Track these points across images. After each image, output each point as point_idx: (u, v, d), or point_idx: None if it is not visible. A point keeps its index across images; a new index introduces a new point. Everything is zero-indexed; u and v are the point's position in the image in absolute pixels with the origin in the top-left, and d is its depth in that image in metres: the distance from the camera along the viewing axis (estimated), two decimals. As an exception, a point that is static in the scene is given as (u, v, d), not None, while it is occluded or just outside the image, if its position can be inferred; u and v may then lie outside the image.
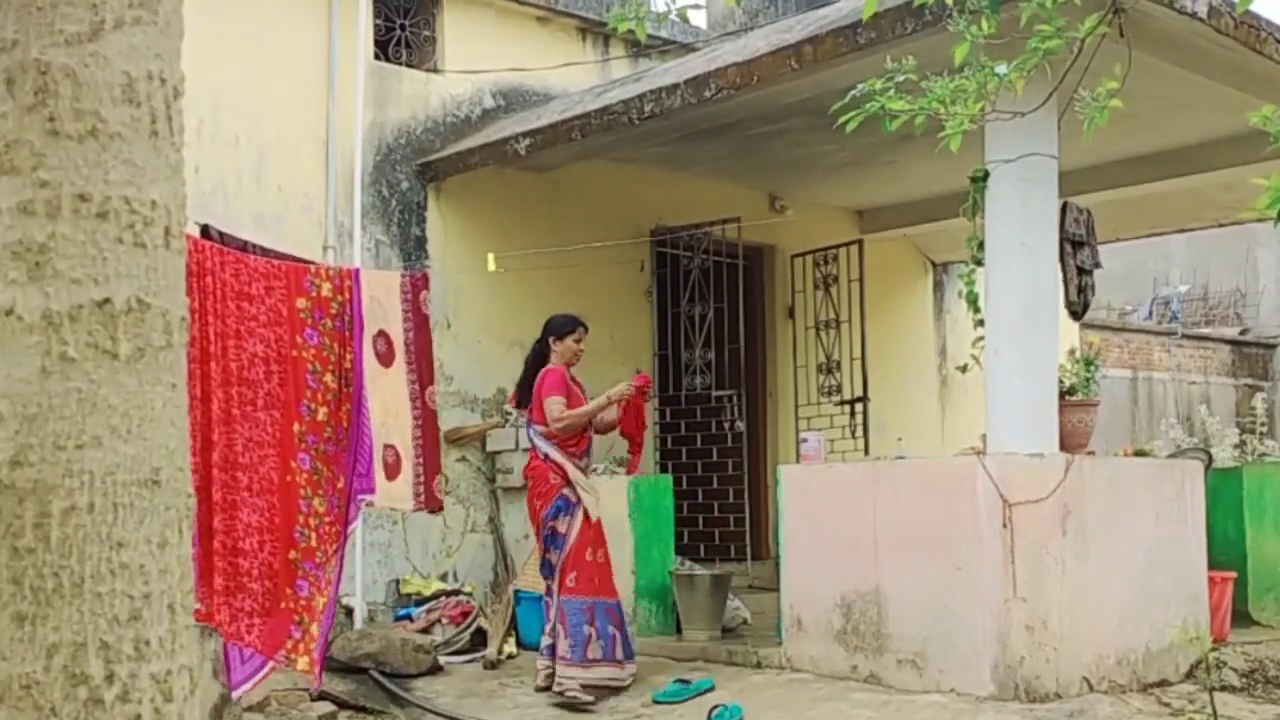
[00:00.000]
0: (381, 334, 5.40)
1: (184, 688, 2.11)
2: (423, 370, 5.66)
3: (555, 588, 6.43)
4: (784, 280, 10.37)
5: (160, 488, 2.10)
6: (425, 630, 7.47)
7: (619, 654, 6.43)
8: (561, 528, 6.41)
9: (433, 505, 5.72)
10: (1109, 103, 4.37)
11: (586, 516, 6.44)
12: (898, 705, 5.58)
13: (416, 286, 5.76)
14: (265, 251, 5.28)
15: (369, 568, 7.99)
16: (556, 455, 6.48)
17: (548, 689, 6.39)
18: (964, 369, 6.41)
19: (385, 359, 5.39)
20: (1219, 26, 5.86)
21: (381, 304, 5.44)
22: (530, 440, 6.67)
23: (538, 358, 6.70)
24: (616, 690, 6.37)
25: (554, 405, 6.45)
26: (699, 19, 10.74)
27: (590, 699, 6.20)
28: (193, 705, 2.14)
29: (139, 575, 2.06)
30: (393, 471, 5.43)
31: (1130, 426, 15.71)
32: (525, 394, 6.69)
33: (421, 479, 5.58)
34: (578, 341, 6.63)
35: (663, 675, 6.57)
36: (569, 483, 6.45)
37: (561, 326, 6.65)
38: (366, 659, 6.64)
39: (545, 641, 6.54)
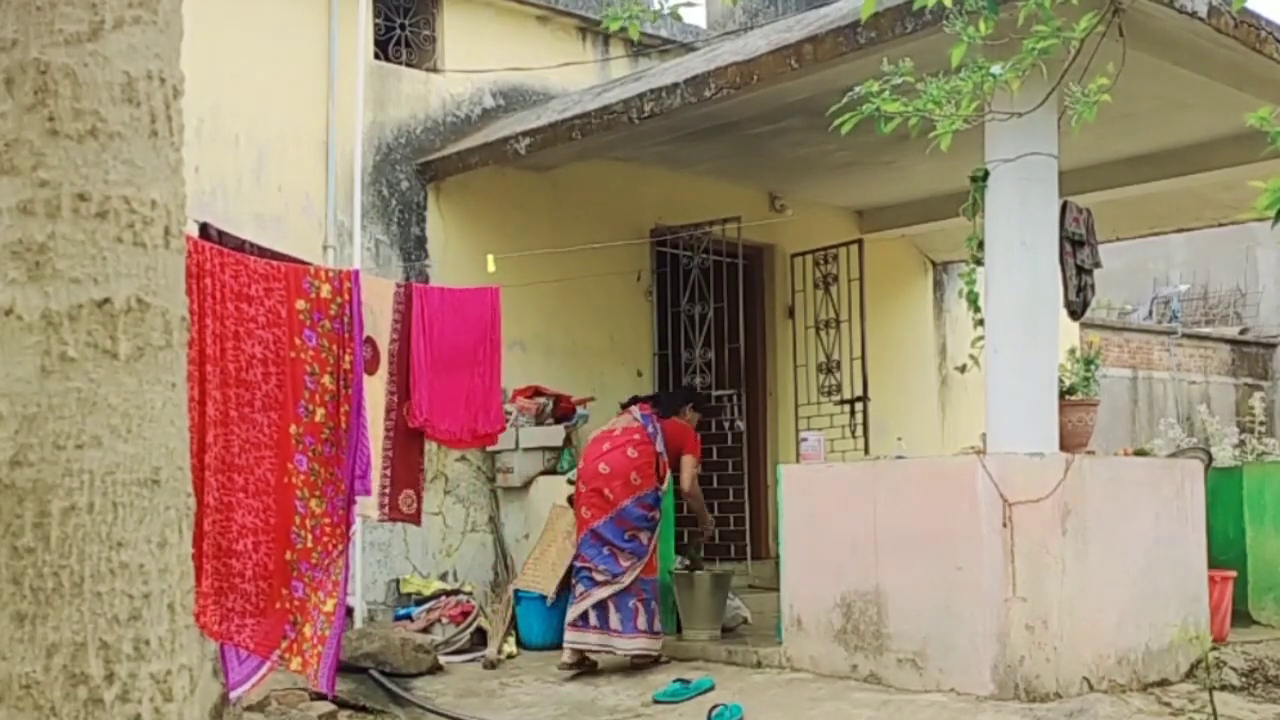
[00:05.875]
0: (369, 341, 5.41)
1: (184, 687, 2.11)
2: (403, 383, 5.66)
3: (642, 567, 6.89)
4: (784, 280, 10.36)
5: (160, 487, 2.11)
6: (425, 630, 7.47)
7: None
8: (658, 517, 7.03)
9: (396, 516, 5.72)
10: (1099, 98, 4.37)
11: None
12: (898, 705, 5.58)
13: (409, 296, 5.76)
14: (263, 251, 5.28)
15: (369, 567, 8.00)
16: (666, 458, 7.18)
17: (576, 665, 6.84)
18: (963, 369, 6.41)
19: (369, 366, 5.40)
20: (1218, 26, 5.86)
21: (373, 311, 5.45)
22: (652, 430, 7.18)
23: (671, 400, 7.61)
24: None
25: (696, 471, 7.43)
26: (699, 18, 10.75)
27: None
28: (192, 705, 2.14)
29: (139, 575, 2.06)
30: None
31: (1130, 426, 15.71)
32: (665, 409, 7.41)
33: (387, 490, 5.57)
34: (701, 416, 7.68)
35: (663, 675, 6.58)
36: (662, 483, 7.11)
37: (700, 400, 7.82)
38: (367, 659, 6.64)
39: (596, 609, 6.83)
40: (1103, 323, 15.90)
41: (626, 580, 6.80)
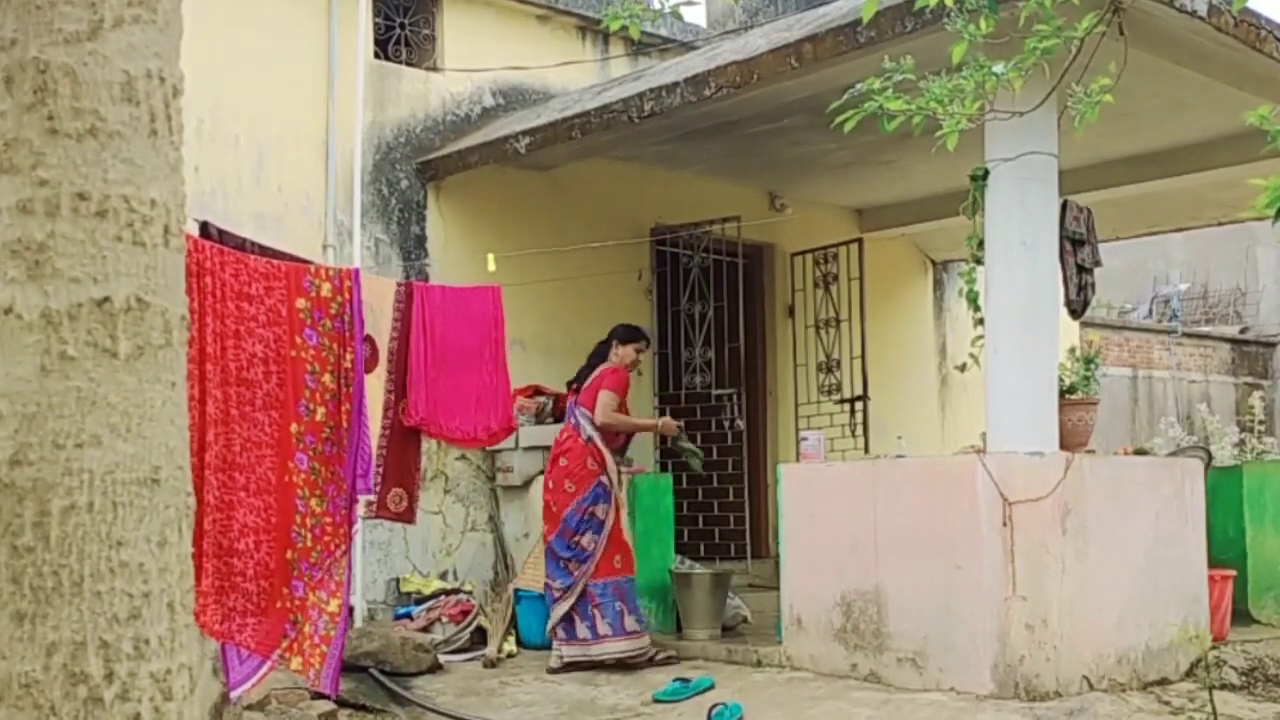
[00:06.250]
0: (368, 339, 5.41)
1: (183, 686, 2.11)
2: (400, 381, 5.66)
3: (592, 569, 6.83)
4: (784, 279, 10.37)
5: (160, 486, 2.10)
6: (425, 629, 7.47)
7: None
8: (601, 514, 6.89)
9: (383, 515, 5.74)
10: (1101, 98, 4.37)
11: (619, 500, 6.96)
12: (898, 704, 5.58)
13: (410, 294, 5.77)
14: (264, 249, 5.28)
15: (369, 567, 8.00)
16: (599, 442, 6.97)
17: (562, 670, 6.81)
18: (963, 368, 6.41)
19: (368, 364, 5.40)
20: (1219, 25, 5.86)
21: (374, 310, 5.45)
22: (576, 420, 7.11)
23: (601, 353, 7.28)
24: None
25: (611, 402, 6.99)
26: (699, 17, 10.75)
27: (667, 655, 6.89)
28: (192, 704, 2.14)
29: (138, 574, 2.06)
30: None
31: (1130, 425, 15.70)
32: (582, 380, 7.23)
33: (377, 488, 5.58)
34: (638, 351, 7.28)
35: (663, 674, 6.58)
36: (605, 470, 6.92)
37: (627, 334, 7.31)
38: (366, 657, 6.64)
39: (564, 623, 6.87)
40: (1103, 322, 15.90)
41: (579, 588, 6.83)
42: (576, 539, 6.87)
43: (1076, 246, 6.42)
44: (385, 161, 8.54)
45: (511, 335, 8.48)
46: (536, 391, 8.49)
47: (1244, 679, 6.03)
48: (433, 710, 6.19)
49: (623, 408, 7.10)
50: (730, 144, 8.60)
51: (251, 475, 4.81)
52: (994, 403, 5.93)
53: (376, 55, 8.67)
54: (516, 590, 7.71)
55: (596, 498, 6.89)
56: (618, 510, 6.96)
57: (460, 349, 5.87)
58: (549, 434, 8.30)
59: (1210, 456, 7.92)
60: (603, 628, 6.79)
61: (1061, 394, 6.00)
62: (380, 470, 5.60)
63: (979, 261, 6.09)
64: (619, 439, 7.14)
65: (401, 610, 7.88)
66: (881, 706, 5.56)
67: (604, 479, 6.91)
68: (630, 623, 6.83)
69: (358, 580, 7.70)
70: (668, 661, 6.83)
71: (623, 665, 6.78)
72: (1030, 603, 5.54)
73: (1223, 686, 5.83)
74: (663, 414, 9.48)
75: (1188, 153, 8.46)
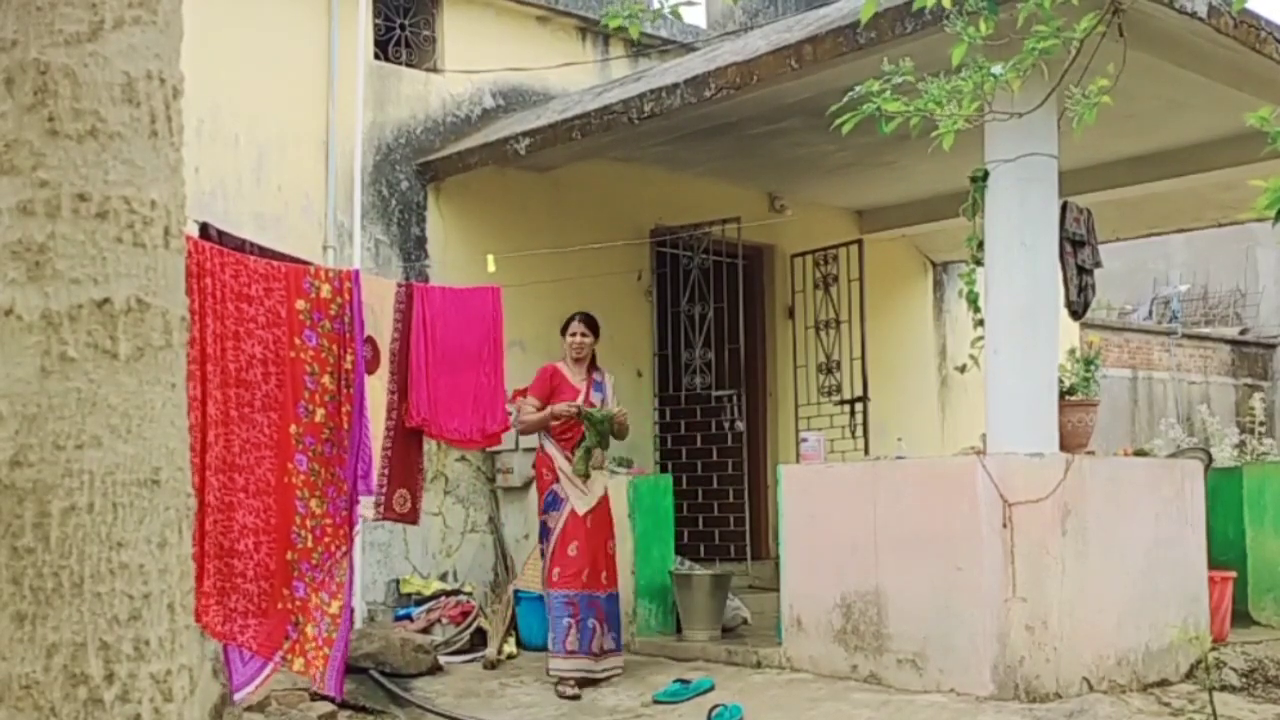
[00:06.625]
0: (369, 340, 5.42)
1: (184, 687, 2.11)
2: (402, 382, 5.67)
3: (546, 578, 6.76)
4: (784, 280, 10.37)
5: (160, 487, 2.10)
6: (425, 630, 7.47)
7: (594, 646, 6.58)
8: (551, 522, 6.73)
9: (389, 516, 5.74)
10: (1099, 99, 4.37)
11: (573, 511, 6.68)
12: (898, 705, 5.58)
13: (411, 295, 5.77)
14: (263, 251, 5.29)
15: (369, 567, 7.99)
16: (550, 447, 6.82)
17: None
18: (963, 369, 6.41)
19: (370, 365, 5.41)
20: (1218, 26, 5.86)
21: (374, 311, 5.45)
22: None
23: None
24: (595, 682, 6.56)
25: (524, 405, 6.90)
26: (698, 18, 10.75)
27: (572, 693, 6.40)
28: (192, 705, 2.14)
29: (139, 575, 2.06)
30: None
31: (1130, 426, 15.70)
32: None
33: (383, 490, 5.58)
34: (571, 335, 7.05)
35: (663, 675, 6.58)
36: (559, 478, 6.74)
37: (562, 325, 7.12)
38: (366, 659, 6.64)
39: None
40: (1103, 323, 15.89)
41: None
42: (542, 546, 6.87)
43: (1077, 247, 6.42)
44: (385, 162, 8.55)
45: (511, 336, 8.49)
46: (536, 392, 8.49)
47: (1244, 680, 6.03)
48: (432, 711, 6.19)
49: (566, 396, 6.82)
50: (730, 145, 8.60)
51: (251, 476, 4.81)
52: (994, 404, 5.93)
53: (376, 56, 8.68)
54: (516, 591, 7.70)
55: (547, 505, 6.75)
56: (571, 519, 6.64)
57: (460, 350, 5.89)
58: (549, 435, 8.32)
59: (1210, 458, 7.92)
60: (550, 640, 6.64)
61: (1061, 395, 6.00)
62: (385, 472, 5.60)
63: (979, 263, 6.09)
64: (575, 435, 6.81)
65: (401, 611, 7.88)
66: (881, 708, 5.56)
67: (555, 487, 6.72)
68: (551, 639, 6.61)
69: (358, 581, 7.69)
70: (561, 691, 6.44)
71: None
72: (1030, 604, 5.54)
73: (1223, 688, 5.83)
74: (663, 416, 9.51)
75: (1188, 154, 8.46)
